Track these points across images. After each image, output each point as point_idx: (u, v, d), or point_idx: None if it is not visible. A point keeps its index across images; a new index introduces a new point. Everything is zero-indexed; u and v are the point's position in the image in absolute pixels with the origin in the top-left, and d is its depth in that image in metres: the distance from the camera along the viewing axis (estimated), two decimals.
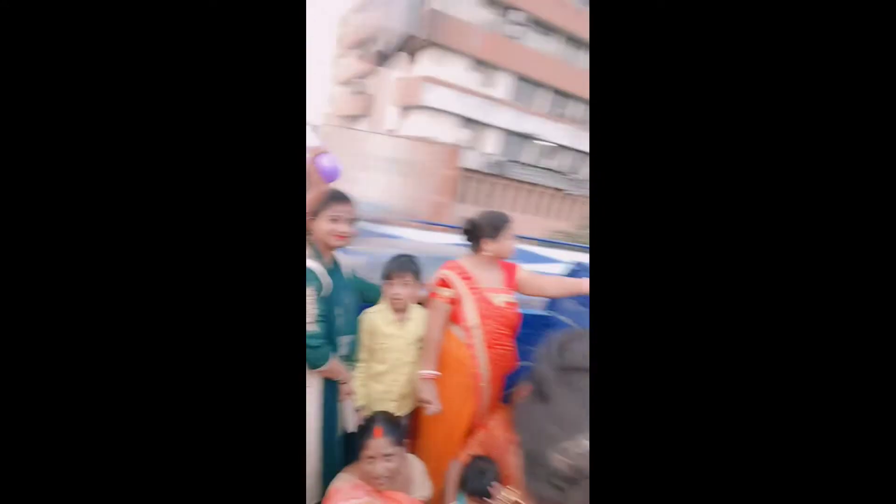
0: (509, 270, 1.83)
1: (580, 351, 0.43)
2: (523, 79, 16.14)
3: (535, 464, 0.39)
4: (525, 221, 12.44)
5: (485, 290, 1.74)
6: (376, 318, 1.73)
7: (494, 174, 16.37)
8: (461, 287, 1.73)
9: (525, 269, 1.85)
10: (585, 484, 0.34)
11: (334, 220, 1.52)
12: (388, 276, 1.73)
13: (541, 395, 0.40)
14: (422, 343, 1.76)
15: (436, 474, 1.67)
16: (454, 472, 1.68)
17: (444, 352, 1.74)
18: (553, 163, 17.89)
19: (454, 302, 1.74)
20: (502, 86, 15.83)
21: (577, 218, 16.70)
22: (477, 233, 1.77)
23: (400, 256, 1.77)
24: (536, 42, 16.10)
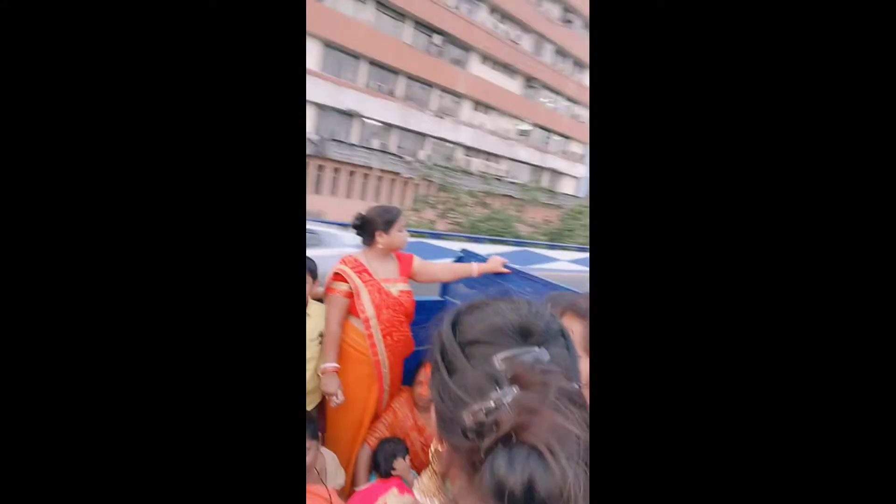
0: (404, 261, 2.00)
1: (472, 324, 0.49)
2: (334, 47, 14.93)
3: (449, 422, 0.46)
4: (348, 207, 11.64)
5: (381, 282, 1.89)
6: None
7: (310, 155, 15.06)
8: (356, 280, 1.85)
9: (418, 259, 2.04)
10: (492, 435, 0.41)
11: None
12: None
13: (446, 366, 0.47)
14: (322, 338, 1.86)
15: (347, 461, 1.79)
16: (364, 456, 1.89)
17: (345, 343, 1.86)
18: (382, 143, 16.92)
19: (350, 295, 1.86)
20: (310, 55, 14.31)
21: (410, 202, 15.33)
22: (369, 227, 1.90)
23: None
24: (348, 9, 15.08)
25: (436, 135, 18.37)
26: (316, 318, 1.85)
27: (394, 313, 1.91)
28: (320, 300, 1.92)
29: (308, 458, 1.50)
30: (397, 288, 1.93)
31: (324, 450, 1.69)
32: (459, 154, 19.16)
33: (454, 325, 0.50)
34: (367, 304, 1.86)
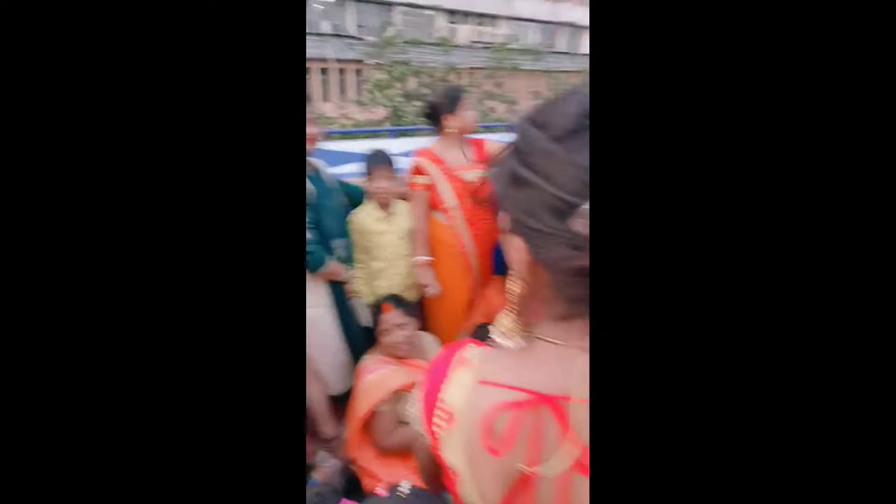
0: (477, 146, 1.97)
1: (560, 116, 0.44)
2: None
3: (547, 239, 0.44)
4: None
5: (456, 170, 1.88)
6: (364, 217, 1.79)
7: None
8: (435, 172, 1.84)
9: (491, 142, 2.02)
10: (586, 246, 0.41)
11: None
12: (368, 173, 1.80)
13: (542, 175, 0.43)
14: (411, 234, 1.91)
15: None
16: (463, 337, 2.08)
17: (432, 237, 1.91)
18: (336, 25, 14.08)
19: (431, 188, 1.87)
20: None
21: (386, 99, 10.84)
22: (435, 112, 1.86)
23: (376, 152, 1.81)
24: None
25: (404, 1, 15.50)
26: (403, 214, 1.89)
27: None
28: (403, 198, 1.95)
29: (407, 331, 1.65)
30: (474, 174, 1.92)
31: (424, 334, 1.83)
32: (442, 23, 16.43)
33: (537, 126, 0.45)
34: (447, 194, 1.87)
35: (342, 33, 14.73)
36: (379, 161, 1.80)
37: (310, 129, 1.57)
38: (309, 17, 13.65)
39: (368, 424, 1.59)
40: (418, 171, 1.88)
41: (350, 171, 2.07)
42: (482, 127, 3.57)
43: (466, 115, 1.90)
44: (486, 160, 1.93)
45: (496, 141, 2.07)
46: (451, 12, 17.16)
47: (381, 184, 1.80)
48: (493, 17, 18.26)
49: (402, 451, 1.59)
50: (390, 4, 15.53)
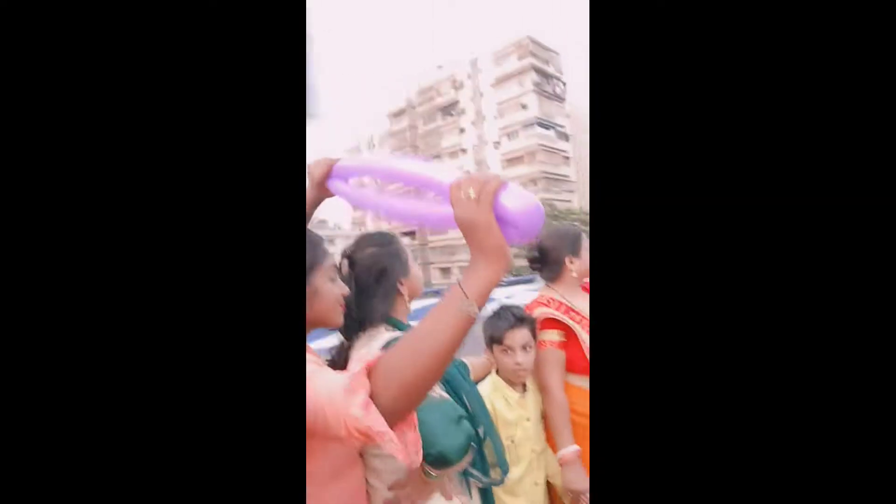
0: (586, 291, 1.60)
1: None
2: None
3: None
4: None
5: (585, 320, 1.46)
6: (497, 401, 1.30)
7: None
8: (572, 324, 1.42)
9: None
10: None
11: None
12: (498, 340, 1.33)
13: None
14: (547, 415, 1.40)
15: None
16: None
17: (573, 413, 1.41)
18: None
19: (565, 346, 1.43)
20: None
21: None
22: (553, 255, 1.54)
23: (505, 309, 1.38)
24: None
25: None
26: (533, 390, 1.40)
27: None
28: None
29: None
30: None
31: None
32: None
33: None
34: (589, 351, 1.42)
35: None
36: (512, 324, 1.31)
37: None
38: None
39: None
40: (550, 324, 1.44)
41: None
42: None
43: (586, 258, 1.54)
44: None
45: None
46: None
47: (519, 358, 1.30)
48: None
49: None
50: None
